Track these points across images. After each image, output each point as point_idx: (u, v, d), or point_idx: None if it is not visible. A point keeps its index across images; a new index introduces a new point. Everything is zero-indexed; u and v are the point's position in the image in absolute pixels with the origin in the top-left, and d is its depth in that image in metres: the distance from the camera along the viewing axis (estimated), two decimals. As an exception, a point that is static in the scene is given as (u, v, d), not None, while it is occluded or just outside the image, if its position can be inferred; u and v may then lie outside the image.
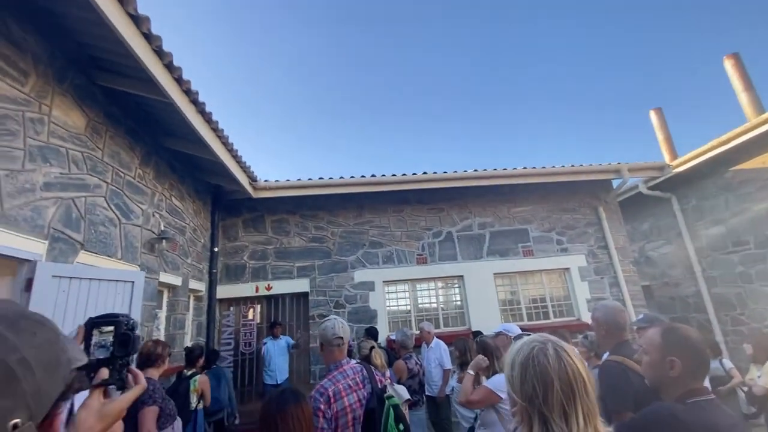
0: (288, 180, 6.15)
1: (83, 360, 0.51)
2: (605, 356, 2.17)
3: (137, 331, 0.77)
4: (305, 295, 6.37)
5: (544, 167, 6.32)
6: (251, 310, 6.49)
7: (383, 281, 6.43)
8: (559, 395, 0.86)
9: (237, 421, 4.71)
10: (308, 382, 6.07)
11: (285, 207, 6.58)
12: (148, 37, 2.87)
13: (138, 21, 2.72)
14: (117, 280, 3.27)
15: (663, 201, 7.56)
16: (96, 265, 3.27)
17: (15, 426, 0.39)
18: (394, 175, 6.14)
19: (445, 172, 6.20)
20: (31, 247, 2.68)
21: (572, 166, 6.47)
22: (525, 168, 6.29)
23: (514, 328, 3.07)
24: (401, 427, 1.77)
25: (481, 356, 2.46)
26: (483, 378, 3.67)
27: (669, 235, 7.75)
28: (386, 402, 1.78)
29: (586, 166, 6.50)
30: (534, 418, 0.88)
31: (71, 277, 2.89)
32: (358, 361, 2.01)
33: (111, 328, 0.74)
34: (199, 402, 3.62)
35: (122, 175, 3.73)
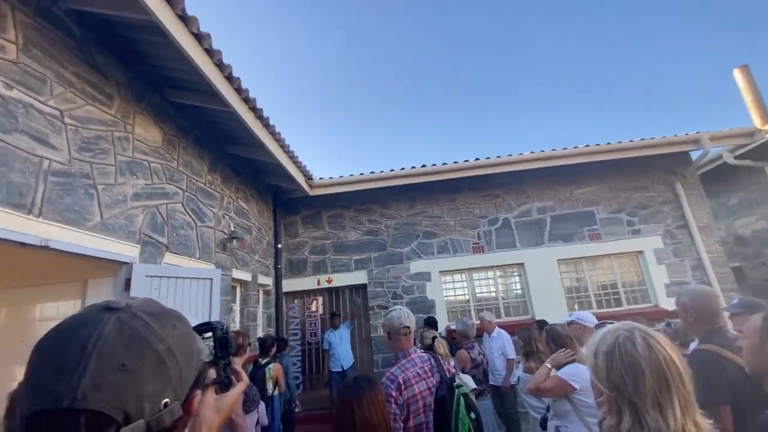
0: (341, 176, 6.32)
1: (206, 352, 0.59)
2: (693, 345, 1.98)
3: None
4: (363, 287, 6.54)
5: (609, 143, 5.84)
6: (314, 302, 6.82)
7: (439, 271, 6.40)
8: (651, 385, 0.82)
9: (297, 409, 4.86)
10: (372, 370, 6.26)
11: (339, 202, 6.77)
12: (210, 52, 3.08)
13: (200, 38, 2.94)
14: (198, 278, 3.60)
15: (754, 171, 6.64)
16: (179, 264, 3.63)
17: (165, 405, 0.46)
18: (444, 163, 6.05)
19: (498, 157, 5.97)
20: (126, 251, 3.04)
21: (642, 139, 5.91)
22: (588, 146, 5.85)
23: (589, 317, 2.91)
24: (472, 415, 1.77)
25: (563, 351, 2.35)
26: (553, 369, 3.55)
27: (764, 209, 6.81)
28: (456, 391, 1.79)
29: (659, 139, 5.90)
30: (624, 408, 0.84)
31: (161, 276, 3.24)
32: (424, 350, 2.03)
33: (209, 334, 0.82)
34: (274, 388, 3.90)
35: (195, 181, 4.07)
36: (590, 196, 6.49)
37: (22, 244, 2.25)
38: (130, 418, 0.42)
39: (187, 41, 2.84)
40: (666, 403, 0.80)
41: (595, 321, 2.96)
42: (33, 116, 2.38)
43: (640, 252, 6.28)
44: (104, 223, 2.85)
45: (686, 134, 5.87)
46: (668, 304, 5.91)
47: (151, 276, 3.14)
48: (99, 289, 3.07)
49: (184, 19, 2.74)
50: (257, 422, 2.98)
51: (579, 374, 2.20)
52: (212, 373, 0.71)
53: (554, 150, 5.90)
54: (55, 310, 3.24)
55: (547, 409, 2.65)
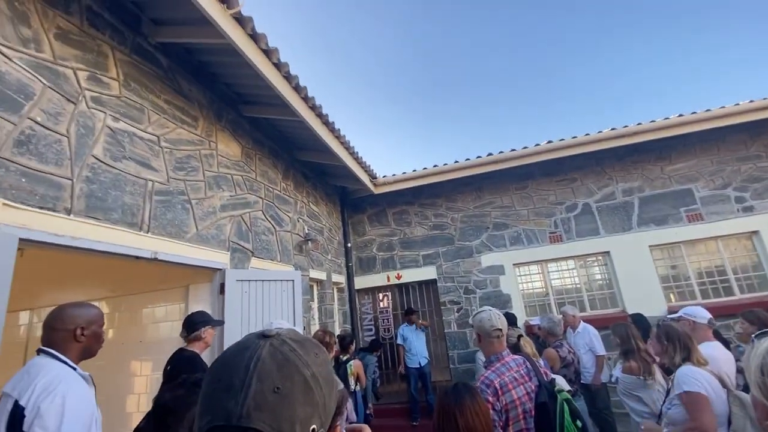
0: (404, 173, 6.30)
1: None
2: None
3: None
4: (433, 282, 6.48)
5: (709, 110, 5.08)
6: (385, 298, 6.92)
7: (513, 264, 6.10)
8: None
9: (369, 411, 4.72)
10: (447, 366, 6.20)
11: (403, 199, 6.76)
12: (278, 66, 3.22)
13: (269, 54, 3.08)
14: (281, 280, 3.82)
15: None
16: (263, 268, 3.88)
17: (313, 430, 0.48)
18: (513, 149, 5.73)
19: (574, 137, 5.49)
20: (219, 258, 3.31)
21: (751, 101, 5.05)
22: (682, 115, 5.14)
23: (701, 312, 2.55)
24: (578, 423, 1.64)
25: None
26: (655, 368, 3.19)
27: None
28: (558, 396, 1.67)
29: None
30: None
31: (249, 280, 3.48)
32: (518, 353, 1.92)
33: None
34: (356, 384, 4.01)
35: (271, 189, 4.32)
36: (686, 171, 5.71)
37: (137, 258, 2.55)
38: None
39: (258, 59, 2.99)
40: None
41: (708, 315, 2.58)
42: (136, 143, 2.67)
43: (755, 232, 5.41)
44: (199, 234, 3.13)
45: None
46: (797, 291, 5.02)
47: (241, 280, 3.39)
48: (198, 293, 3.39)
49: (255, 37, 2.88)
50: (346, 419, 3.09)
51: (707, 381, 1.93)
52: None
53: (639, 124, 5.28)
54: (164, 313, 3.65)
55: (659, 416, 2.38)
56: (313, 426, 0.48)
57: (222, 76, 3.60)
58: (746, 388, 1.93)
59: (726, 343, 2.95)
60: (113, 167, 2.47)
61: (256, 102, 3.88)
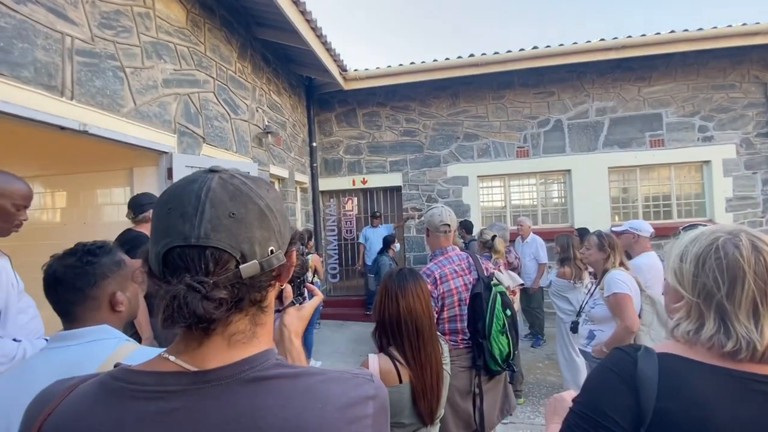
0: (378, 68, 5.80)
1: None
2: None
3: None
4: (398, 189, 6.51)
5: (701, 29, 4.81)
6: (349, 201, 6.95)
7: (477, 176, 6.16)
8: (752, 291, 0.70)
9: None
10: (404, 267, 6.59)
11: (375, 99, 6.36)
12: None
13: None
14: (236, 171, 3.63)
15: None
16: (216, 157, 3.64)
17: (272, 251, 0.51)
18: (496, 53, 5.32)
19: (561, 45, 5.13)
20: (165, 140, 3.04)
21: (745, 24, 4.82)
22: (673, 32, 4.85)
23: (645, 226, 2.70)
24: (508, 312, 1.77)
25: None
26: (585, 273, 3.51)
27: None
28: (493, 289, 1.77)
29: (765, 24, 4.78)
30: (708, 315, 0.74)
31: (200, 167, 3.27)
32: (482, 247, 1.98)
33: None
34: (314, 276, 4.20)
35: (225, 69, 3.84)
36: (661, 95, 5.65)
37: (62, 128, 2.26)
38: (246, 257, 0.48)
39: None
40: (765, 313, 0.69)
41: (651, 230, 2.76)
42: (44, -17, 2.16)
43: (707, 162, 5.66)
44: (138, 110, 2.79)
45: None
46: (726, 219, 5.50)
47: (191, 167, 3.17)
48: (143, 177, 3.17)
49: None
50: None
51: (631, 282, 2.12)
52: (289, 291, 0.76)
53: (629, 37, 4.98)
54: (108, 197, 3.44)
55: (578, 313, 2.66)
56: (272, 247, 0.51)
57: None
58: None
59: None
60: (16, 11, 2.02)
61: (203, -47, 3.20)
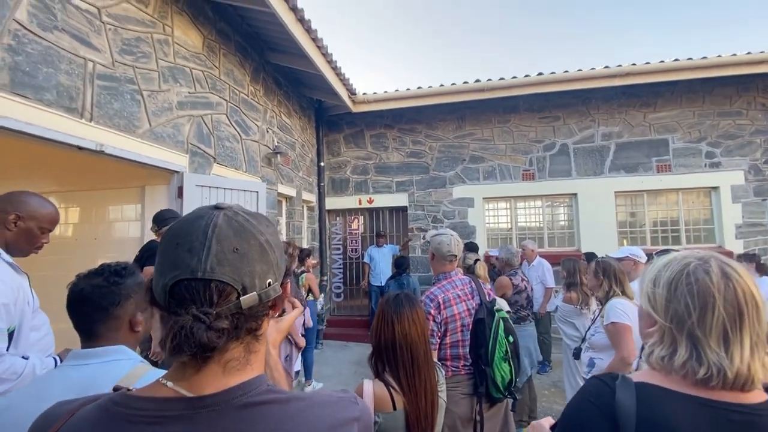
0: (386, 92, 5.94)
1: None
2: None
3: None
4: (404, 209, 6.54)
5: (706, 58, 4.89)
6: (355, 220, 7.00)
7: (483, 198, 6.18)
8: (722, 318, 0.70)
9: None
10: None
11: (383, 121, 6.48)
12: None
13: None
14: (245, 190, 3.70)
15: None
16: (226, 176, 3.72)
17: (269, 283, 0.54)
18: (501, 78, 5.43)
19: (566, 72, 5.23)
20: (177, 160, 3.12)
21: (749, 53, 4.88)
22: (678, 60, 4.94)
23: (643, 253, 2.69)
24: (510, 338, 1.75)
25: None
26: (592, 300, 3.45)
27: None
28: (496, 314, 1.76)
29: (770, 53, 4.84)
30: (680, 341, 0.74)
31: (210, 186, 3.34)
32: (464, 272, 1.98)
33: None
34: (308, 294, 4.18)
35: (237, 92, 3.97)
36: (667, 121, 5.68)
37: (80, 148, 2.34)
38: (246, 289, 0.51)
39: None
40: (734, 340, 0.69)
41: (646, 257, 2.75)
42: (71, 13, 2.29)
43: (715, 188, 5.62)
44: (153, 131, 2.89)
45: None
46: (735, 246, 5.42)
47: (201, 186, 3.25)
48: (154, 195, 3.25)
49: None
50: (303, 323, 3.26)
51: (632, 312, 2.09)
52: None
53: (634, 65, 5.06)
54: (119, 213, 3.52)
55: (582, 339, 2.61)
56: (269, 280, 0.55)
57: (179, -56, 3.05)
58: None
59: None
60: (42, 38, 2.14)
61: (221, -16, 3.37)
